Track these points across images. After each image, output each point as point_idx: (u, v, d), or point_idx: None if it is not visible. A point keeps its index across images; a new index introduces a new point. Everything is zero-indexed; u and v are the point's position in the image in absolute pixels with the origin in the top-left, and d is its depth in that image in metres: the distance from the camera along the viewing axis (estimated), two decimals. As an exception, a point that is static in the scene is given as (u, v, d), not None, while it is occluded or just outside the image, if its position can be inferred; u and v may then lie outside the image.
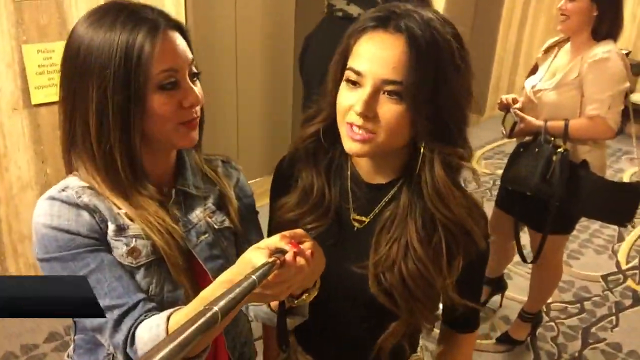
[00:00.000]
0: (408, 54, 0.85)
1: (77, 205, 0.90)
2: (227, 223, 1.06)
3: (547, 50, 2.35)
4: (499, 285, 2.81)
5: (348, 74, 0.91)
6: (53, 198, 0.91)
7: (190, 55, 0.94)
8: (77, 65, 0.89)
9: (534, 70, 2.40)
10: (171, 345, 0.53)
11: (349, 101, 0.90)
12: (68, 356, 1.10)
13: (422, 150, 0.92)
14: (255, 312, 1.06)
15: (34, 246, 0.91)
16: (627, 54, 5.44)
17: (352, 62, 0.91)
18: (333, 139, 1.00)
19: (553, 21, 5.98)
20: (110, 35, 0.87)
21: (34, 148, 2.61)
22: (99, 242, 0.91)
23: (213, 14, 3.29)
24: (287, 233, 0.80)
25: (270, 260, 0.73)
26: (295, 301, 0.89)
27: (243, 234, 1.09)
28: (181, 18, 2.93)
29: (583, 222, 3.47)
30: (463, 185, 0.99)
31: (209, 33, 3.31)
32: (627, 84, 2.11)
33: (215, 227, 1.04)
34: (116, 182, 0.93)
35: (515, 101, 2.31)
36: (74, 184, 0.94)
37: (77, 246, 0.89)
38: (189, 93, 0.91)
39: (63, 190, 0.92)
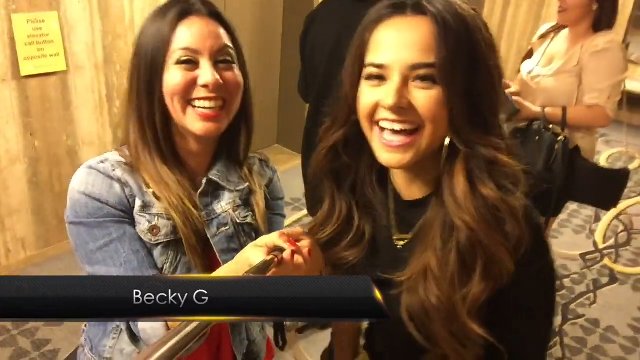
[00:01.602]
0: (436, 31, 0.76)
1: (110, 178, 0.95)
2: (249, 219, 1.07)
3: (543, 36, 2.39)
4: None
5: (368, 70, 0.80)
6: (91, 167, 0.96)
7: (222, 42, 0.95)
8: (134, 51, 0.98)
9: (529, 54, 2.44)
10: (169, 344, 0.56)
11: (374, 98, 0.80)
12: (84, 324, 1.13)
13: (445, 148, 0.81)
14: None
15: (67, 209, 0.95)
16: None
17: (371, 57, 0.81)
18: (357, 150, 0.89)
19: (536, 3, 6.03)
20: (153, 22, 0.96)
21: (23, 120, 2.56)
22: (125, 214, 0.95)
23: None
24: (285, 231, 0.81)
25: (268, 258, 0.73)
26: None
27: (264, 233, 1.07)
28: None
29: (563, 202, 3.58)
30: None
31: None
32: (626, 75, 2.16)
33: (238, 220, 1.05)
34: (150, 152, 0.98)
35: (507, 85, 2.34)
36: (112, 158, 0.99)
37: (104, 215, 0.93)
38: (204, 72, 0.92)
39: (102, 162, 0.97)
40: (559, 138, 2.11)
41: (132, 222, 0.96)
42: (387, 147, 0.80)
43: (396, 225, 0.93)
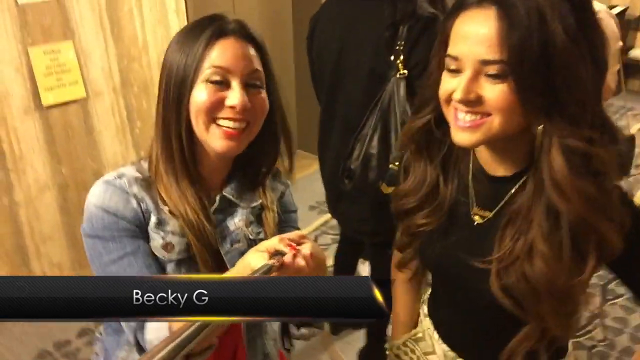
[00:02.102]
0: (502, 27, 0.77)
1: (127, 193, 0.97)
2: (262, 235, 1.08)
3: None
4: None
5: (447, 62, 0.85)
6: (108, 182, 0.97)
7: (254, 65, 0.97)
8: (162, 68, 0.99)
9: None
10: (170, 346, 0.56)
11: (449, 87, 0.85)
12: (100, 333, 1.16)
13: (538, 134, 0.83)
14: None
15: (84, 222, 0.98)
16: (624, 10, 5.41)
17: (449, 49, 0.85)
18: (446, 130, 0.92)
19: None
20: (183, 40, 0.97)
21: (48, 149, 2.64)
22: (140, 230, 0.97)
23: (212, 4, 3.30)
24: (286, 235, 0.82)
25: (270, 262, 0.74)
26: None
27: None
28: (182, 9, 2.93)
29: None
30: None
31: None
32: (621, 43, 2.10)
33: (250, 237, 1.06)
34: (170, 165, 0.99)
35: None
36: (129, 173, 1.00)
37: (119, 229, 0.95)
38: (234, 94, 0.94)
39: (119, 177, 0.98)
40: None
41: (147, 238, 0.98)
42: (458, 127, 0.85)
43: (475, 200, 0.97)
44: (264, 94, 0.99)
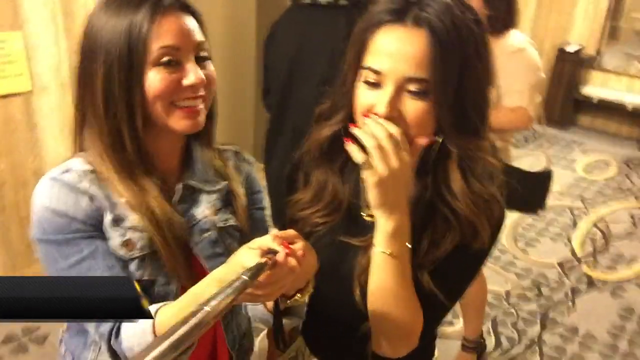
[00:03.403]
0: (432, 48, 0.81)
1: (77, 190, 0.90)
2: (232, 221, 1.04)
3: None
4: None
5: (366, 74, 0.86)
6: (55, 179, 0.90)
7: (198, 37, 0.92)
8: (86, 48, 0.92)
9: None
10: (163, 345, 0.54)
11: (369, 101, 0.86)
12: (62, 332, 1.10)
13: (439, 142, 0.88)
14: (252, 312, 1.06)
15: (32, 226, 0.90)
16: (580, 49, 5.61)
17: (369, 61, 0.86)
18: (349, 137, 0.95)
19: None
20: (116, 16, 0.89)
21: (-14, 143, 2.51)
22: (95, 229, 0.91)
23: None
24: (279, 233, 0.81)
25: (262, 260, 0.73)
26: (288, 301, 0.89)
27: (249, 231, 1.07)
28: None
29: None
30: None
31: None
32: (543, 75, 2.12)
33: (220, 225, 1.02)
34: (123, 160, 0.92)
35: None
36: (77, 166, 0.93)
37: (72, 231, 0.89)
38: (190, 72, 0.90)
39: (66, 171, 0.92)
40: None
41: (104, 236, 0.91)
42: None
43: (365, 202, 0.97)
44: (211, 64, 0.95)
